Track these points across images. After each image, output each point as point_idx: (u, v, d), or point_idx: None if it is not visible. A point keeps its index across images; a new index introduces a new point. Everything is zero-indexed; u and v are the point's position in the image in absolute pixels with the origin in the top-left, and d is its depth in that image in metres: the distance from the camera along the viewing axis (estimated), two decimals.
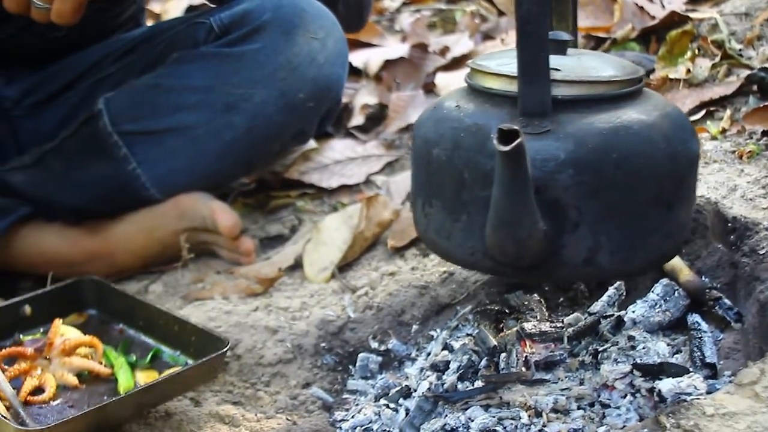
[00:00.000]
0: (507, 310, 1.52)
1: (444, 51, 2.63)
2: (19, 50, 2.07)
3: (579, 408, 1.35)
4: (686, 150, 1.27)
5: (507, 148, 1.12)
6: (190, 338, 1.56)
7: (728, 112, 1.88)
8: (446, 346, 1.56)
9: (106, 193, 2.02)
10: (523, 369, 1.37)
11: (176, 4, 2.97)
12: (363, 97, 2.49)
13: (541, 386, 1.37)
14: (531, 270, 1.23)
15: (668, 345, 1.44)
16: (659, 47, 2.13)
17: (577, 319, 1.49)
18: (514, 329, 1.43)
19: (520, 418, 1.33)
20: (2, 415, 1.39)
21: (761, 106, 1.85)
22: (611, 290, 1.54)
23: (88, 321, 1.67)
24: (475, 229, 1.24)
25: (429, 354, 1.60)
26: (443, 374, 1.47)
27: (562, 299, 1.64)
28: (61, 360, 1.53)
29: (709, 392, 1.32)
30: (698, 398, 1.28)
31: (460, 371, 1.44)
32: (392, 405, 1.49)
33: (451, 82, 2.40)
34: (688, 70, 2.01)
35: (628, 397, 1.35)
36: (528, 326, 1.42)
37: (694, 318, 1.47)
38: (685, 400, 1.29)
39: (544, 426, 1.32)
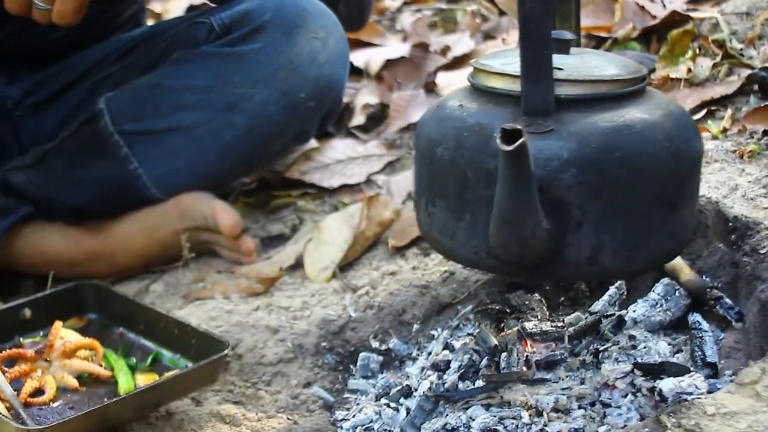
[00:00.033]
0: (508, 310, 1.52)
1: (445, 50, 2.63)
2: (20, 50, 2.07)
3: (580, 407, 1.35)
4: (689, 149, 1.27)
5: (510, 148, 1.12)
6: (191, 341, 1.56)
7: (729, 111, 1.88)
8: (447, 346, 1.56)
9: (107, 192, 2.02)
10: (524, 368, 1.37)
11: (177, 3, 2.97)
12: (364, 97, 2.49)
13: (542, 385, 1.37)
14: (534, 269, 1.24)
15: (669, 344, 1.44)
16: (660, 47, 2.13)
17: (578, 318, 1.49)
18: (515, 329, 1.43)
19: (521, 417, 1.33)
20: (3, 415, 1.39)
21: (762, 105, 1.85)
22: (612, 290, 1.54)
23: (88, 325, 1.67)
24: (479, 229, 1.24)
25: (430, 353, 1.60)
26: (444, 374, 1.47)
27: (562, 299, 1.64)
28: (61, 362, 1.53)
29: (710, 392, 1.32)
30: (699, 398, 1.28)
31: (461, 371, 1.44)
32: (393, 404, 1.49)
33: (452, 82, 2.40)
34: (689, 70, 2.01)
35: (629, 396, 1.35)
36: (529, 326, 1.42)
37: (695, 317, 1.47)
38: (686, 400, 1.29)
39: (545, 425, 1.32)
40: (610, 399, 1.35)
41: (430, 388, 1.44)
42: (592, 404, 1.35)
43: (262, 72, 1.97)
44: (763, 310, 1.41)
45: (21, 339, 1.64)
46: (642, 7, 2.26)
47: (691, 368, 1.37)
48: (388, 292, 1.76)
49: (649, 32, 2.23)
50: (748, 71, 1.95)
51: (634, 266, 1.27)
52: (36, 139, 2.07)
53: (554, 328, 1.42)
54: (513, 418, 1.34)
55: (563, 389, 1.36)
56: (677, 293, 1.52)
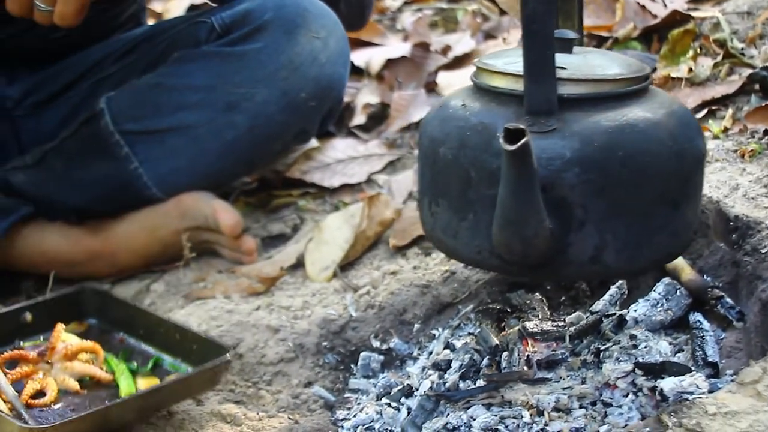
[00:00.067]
0: (509, 309, 1.52)
1: (446, 50, 2.63)
2: (20, 50, 2.07)
3: (581, 407, 1.35)
4: (692, 148, 1.27)
5: (513, 147, 1.12)
6: (192, 346, 1.56)
7: (730, 111, 1.88)
8: (448, 345, 1.56)
9: (108, 192, 2.02)
10: (525, 368, 1.37)
11: (178, 3, 2.97)
12: (365, 97, 2.49)
13: (543, 385, 1.37)
14: (537, 268, 1.24)
15: (670, 344, 1.44)
16: (661, 46, 2.13)
17: (579, 318, 1.49)
18: (516, 328, 1.43)
19: (521, 417, 1.33)
20: (6, 414, 1.39)
21: (763, 104, 1.85)
22: (613, 289, 1.54)
23: (89, 330, 1.67)
24: (482, 228, 1.24)
25: (431, 353, 1.60)
26: (445, 373, 1.47)
27: (563, 298, 1.64)
28: (62, 364, 1.53)
29: (711, 391, 1.32)
30: (700, 397, 1.28)
31: (462, 370, 1.44)
32: (394, 404, 1.49)
33: (452, 81, 2.40)
34: (690, 69, 2.01)
35: (630, 396, 1.35)
36: (530, 325, 1.42)
37: (696, 317, 1.47)
38: (687, 399, 1.29)
39: (546, 425, 1.32)
40: (611, 398, 1.35)
41: (431, 387, 1.44)
42: (593, 404, 1.35)
43: (263, 72, 1.97)
44: (764, 309, 1.41)
45: (21, 342, 1.63)
46: (643, 7, 2.26)
47: (692, 368, 1.37)
48: (389, 291, 1.76)
49: (650, 32, 2.23)
50: (749, 71, 1.95)
51: (637, 265, 1.27)
52: (36, 139, 2.07)
53: (555, 328, 1.42)
54: (514, 417, 1.33)
55: (564, 389, 1.36)
56: (678, 293, 1.52)
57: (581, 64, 1.28)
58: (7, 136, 2.10)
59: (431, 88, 2.48)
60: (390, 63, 2.59)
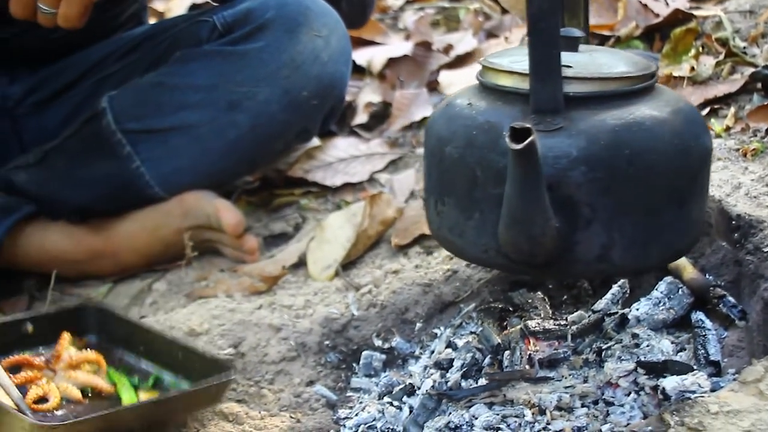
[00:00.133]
0: (511, 308, 1.52)
1: (448, 49, 2.63)
2: (22, 50, 2.07)
3: (583, 406, 1.34)
4: (699, 145, 1.27)
5: (519, 146, 1.12)
6: (194, 364, 1.55)
7: (732, 109, 1.88)
8: (450, 344, 1.56)
9: (110, 191, 2.02)
10: (527, 367, 1.37)
11: (179, 2, 2.96)
12: (366, 95, 2.49)
13: (544, 384, 1.37)
14: (544, 267, 1.24)
15: (672, 343, 1.44)
16: (663, 45, 2.13)
17: (581, 317, 1.49)
18: (518, 327, 1.43)
19: (523, 415, 1.33)
20: (19, 410, 1.39)
21: (765, 103, 1.85)
22: (615, 288, 1.54)
23: (87, 346, 1.65)
24: (488, 227, 1.24)
25: (433, 352, 1.60)
26: (447, 372, 1.47)
27: (565, 297, 1.63)
28: (66, 373, 1.53)
29: (713, 390, 1.32)
30: (702, 396, 1.28)
31: (464, 369, 1.44)
32: (396, 403, 1.49)
33: (454, 80, 2.40)
34: (692, 68, 2.01)
35: (632, 394, 1.35)
36: (532, 324, 1.42)
37: (698, 316, 1.47)
38: (689, 398, 1.29)
39: (548, 424, 1.32)
40: (613, 397, 1.35)
41: (433, 386, 1.44)
42: (595, 402, 1.35)
43: (264, 70, 1.97)
44: (766, 308, 1.41)
45: (21, 353, 1.63)
46: (645, 6, 2.26)
47: (695, 366, 1.37)
48: (390, 290, 1.76)
49: (652, 30, 2.23)
50: (752, 69, 1.95)
51: (645, 263, 1.28)
52: (38, 138, 2.07)
53: (557, 327, 1.42)
54: (516, 416, 1.33)
55: (566, 387, 1.36)
56: (680, 291, 1.51)
57: (587, 63, 1.28)
58: (9, 135, 2.10)
59: (433, 87, 2.48)
60: (392, 62, 2.59)
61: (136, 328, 1.65)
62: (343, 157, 2.26)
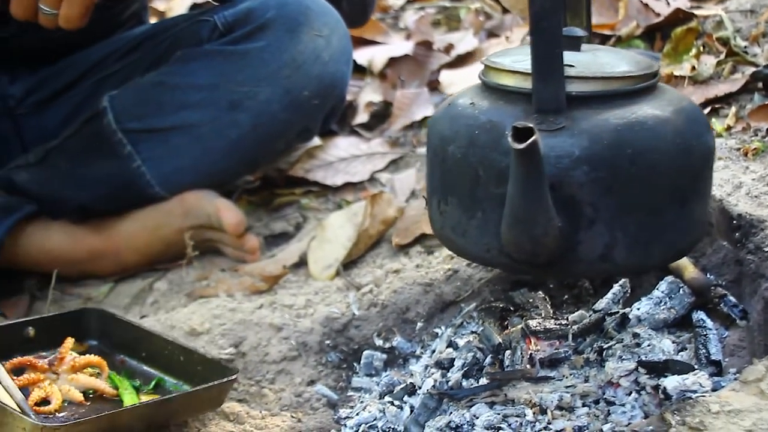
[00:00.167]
0: (512, 308, 1.52)
1: (448, 48, 2.63)
2: (22, 49, 2.07)
3: (584, 405, 1.34)
4: (701, 145, 1.27)
5: (522, 146, 1.12)
6: (196, 367, 1.54)
7: (733, 109, 1.88)
8: (451, 344, 1.56)
9: (111, 191, 2.02)
10: (528, 366, 1.37)
11: (180, 1, 2.96)
12: (367, 95, 2.49)
13: (545, 383, 1.37)
14: (547, 267, 1.23)
15: (673, 342, 1.44)
16: (664, 44, 2.13)
17: (582, 316, 1.49)
18: (519, 326, 1.42)
19: (524, 415, 1.33)
20: (21, 410, 1.39)
21: (766, 103, 1.85)
22: (616, 287, 1.54)
23: (88, 351, 1.65)
24: (491, 227, 1.24)
25: (434, 351, 1.60)
26: (448, 371, 1.47)
27: (566, 296, 1.63)
28: (68, 376, 1.53)
29: (714, 389, 1.32)
30: (703, 395, 1.28)
31: (465, 368, 1.44)
32: (397, 402, 1.49)
33: (455, 80, 2.40)
34: (693, 68, 2.01)
35: (633, 394, 1.34)
36: (533, 323, 1.42)
37: (699, 315, 1.47)
38: (690, 398, 1.29)
39: (549, 423, 1.32)
40: (614, 397, 1.35)
41: (433, 386, 1.44)
42: (596, 402, 1.35)
43: (265, 70, 1.97)
44: (767, 307, 1.41)
45: (22, 357, 1.62)
46: (646, 5, 2.26)
47: (696, 366, 1.37)
48: (391, 290, 1.76)
49: (653, 30, 2.23)
50: (753, 69, 1.95)
51: (648, 262, 1.28)
52: (39, 138, 2.08)
53: (558, 326, 1.42)
54: (517, 416, 1.33)
55: (567, 387, 1.36)
56: (681, 291, 1.51)
57: (589, 62, 1.28)
58: (9, 134, 2.10)
59: (434, 86, 2.48)
60: (393, 61, 2.59)
61: (138, 332, 1.65)
62: (343, 157, 2.26)
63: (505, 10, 2.79)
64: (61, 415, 1.48)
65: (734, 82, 1.95)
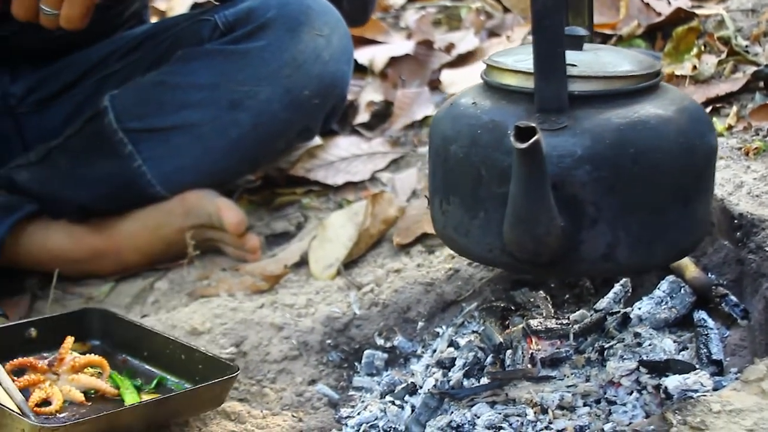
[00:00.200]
0: (513, 307, 1.52)
1: (449, 48, 2.63)
2: (23, 48, 2.07)
3: (585, 405, 1.34)
4: (704, 144, 1.27)
5: (524, 146, 1.12)
6: (197, 366, 1.55)
7: (734, 108, 1.88)
8: (452, 343, 1.56)
9: (112, 190, 2.02)
10: (529, 366, 1.37)
11: (181, 1, 2.96)
12: (368, 94, 2.49)
13: (546, 383, 1.37)
14: (549, 266, 1.23)
15: (674, 342, 1.44)
16: (665, 44, 2.13)
17: (583, 316, 1.49)
18: (520, 326, 1.42)
19: (526, 414, 1.33)
20: (20, 411, 1.39)
21: (767, 102, 1.85)
22: (617, 287, 1.54)
23: (91, 351, 1.65)
24: (493, 226, 1.24)
25: (435, 351, 1.60)
26: (449, 371, 1.47)
27: (567, 296, 1.63)
28: (69, 376, 1.53)
29: (715, 389, 1.32)
30: (705, 395, 1.28)
31: (466, 368, 1.44)
32: (398, 402, 1.49)
33: (456, 79, 2.40)
34: (694, 67, 2.01)
35: (635, 393, 1.34)
36: (534, 323, 1.42)
37: (701, 315, 1.47)
38: (691, 397, 1.29)
39: (550, 423, 1.32)
40: (615, 396, 1.35)
41: (435, 385, 1.44)
42: (598, 402, 1.35)
43: (266, 69, 1.97)
44: None
45: (23, 357, 1.62)
46: (647, 4, 2.26)
47: (697, 366, 1.37)
48: (392, 289, 1.76)
49: (654, 29, 2.23)
50: (754, 68, 1.95)
51: (650, 262, 1.27)
52: (40, 137, 2.08)
53: (559, 326, 1.42)
54: (518, 415, 1.33)
55: (568, 387, 1.36)
56: (682, 291, 1.51)
57: (592, 61, 1.28)
58: (10, 133, 2.10)
59: (435, 86, 2.47)
60: (393, 61, 2.59)
61: (139, 332, 1.65)
62: (344, 156, 2.26)
63: (506, 10, 2.79)
64: (62, 415, 1.47)
65: (735, 81, 1.95)
